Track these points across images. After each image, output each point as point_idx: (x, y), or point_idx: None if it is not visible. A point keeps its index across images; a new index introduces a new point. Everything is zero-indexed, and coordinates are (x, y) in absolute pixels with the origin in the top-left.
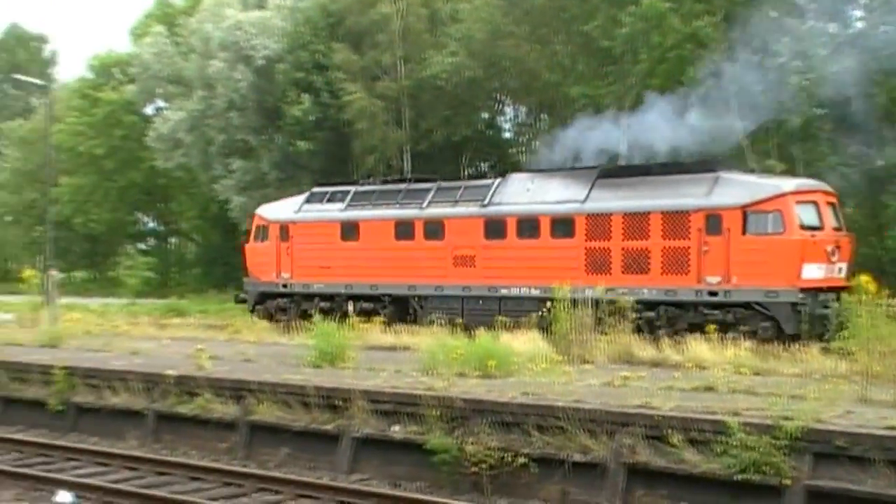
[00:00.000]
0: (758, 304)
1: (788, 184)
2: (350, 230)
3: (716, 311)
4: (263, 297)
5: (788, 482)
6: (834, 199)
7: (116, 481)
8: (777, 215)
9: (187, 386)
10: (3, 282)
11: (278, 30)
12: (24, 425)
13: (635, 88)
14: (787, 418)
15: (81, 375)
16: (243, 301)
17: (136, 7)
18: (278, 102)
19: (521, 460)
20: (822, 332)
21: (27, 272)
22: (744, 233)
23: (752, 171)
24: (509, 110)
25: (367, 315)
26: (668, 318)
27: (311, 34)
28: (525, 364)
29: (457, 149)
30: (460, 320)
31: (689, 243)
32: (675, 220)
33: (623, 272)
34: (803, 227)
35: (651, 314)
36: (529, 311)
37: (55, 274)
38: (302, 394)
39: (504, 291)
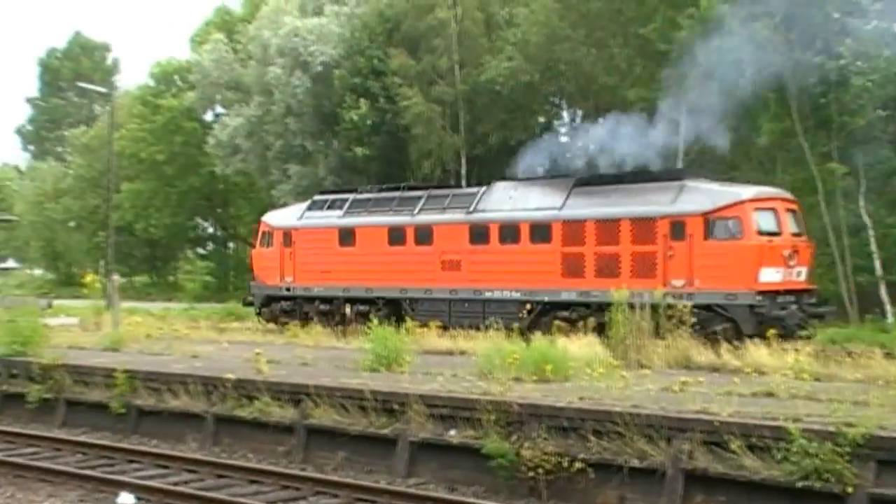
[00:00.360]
0: (718, 306)
1: (748, 191)
2: (347, 236)
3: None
4: (269, 300)
5: (851, 490)
6: (794, 206)
7: (176, 483)
8: (736, 221)
9: (246, 389)
10: (67, 286)
11: (335, 36)
12: (87, 427)
13: (692, 92)
14: (849, 425)
15: (142, 379)
16: (250, 304)
17: (196, 15)
18: (335, 108)
19: (578, 465)
20: (780, 333)
21: (89, 277)
22: (706, 238)
23: (724, 179)
24: (566, 114)
25: (364, 317)
26: None
27: (367, 40)
28: (582, 369)
29: (513, 153)
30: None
31: (655, 248)
32: (643, 227)
33: (596, 276)
34: (761, 233)
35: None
36: (512, 313)
37: (116, 278)
38: (359, 398)
39: (488, 294)
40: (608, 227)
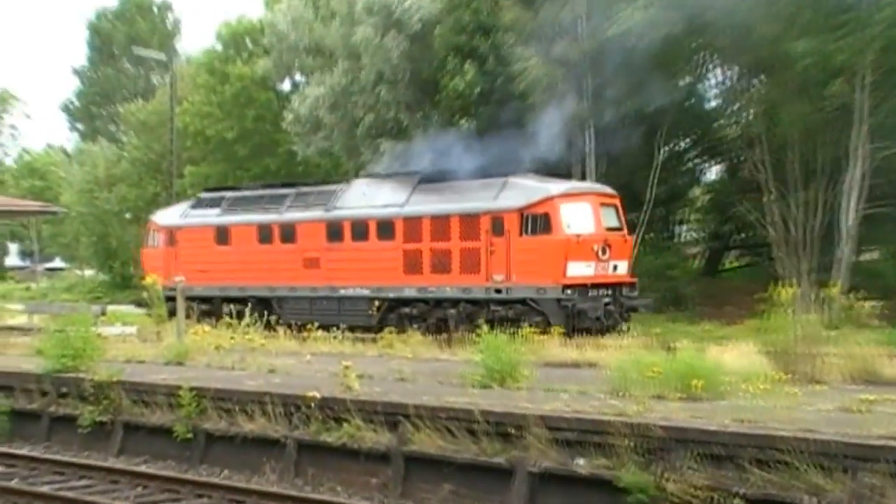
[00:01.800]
0: (531, 300)
1: (558, 187)
2: (223, 235)
3: (500, 308)
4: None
5: None
6: (613, 201)
7: None
8: (545, 217)
9: (333, 410)
10: (124, 289)
11: None
12: (147, 455)
13: (877, 41)
14: None
15: (212, 398)
16: (141, 305)
17: None
18: (435, 73)
19: (736, 502)
20: (585, 325)
21: (150, 278)
22: (521, 234)
23: (550, 176)
24: (714, 75)
25: (241, 317)
26: (466, 315)
27: None
28: (739, 384)
29: (650, 123)
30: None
31: (479, 244)
32: (469, 223)
33: (431, 272)
34: (569, 228)
35: (452, 311)
36: (364, 310)
37: (181, 280)
38: (468, 420)
39: (343, 292)
40: (441, 224)
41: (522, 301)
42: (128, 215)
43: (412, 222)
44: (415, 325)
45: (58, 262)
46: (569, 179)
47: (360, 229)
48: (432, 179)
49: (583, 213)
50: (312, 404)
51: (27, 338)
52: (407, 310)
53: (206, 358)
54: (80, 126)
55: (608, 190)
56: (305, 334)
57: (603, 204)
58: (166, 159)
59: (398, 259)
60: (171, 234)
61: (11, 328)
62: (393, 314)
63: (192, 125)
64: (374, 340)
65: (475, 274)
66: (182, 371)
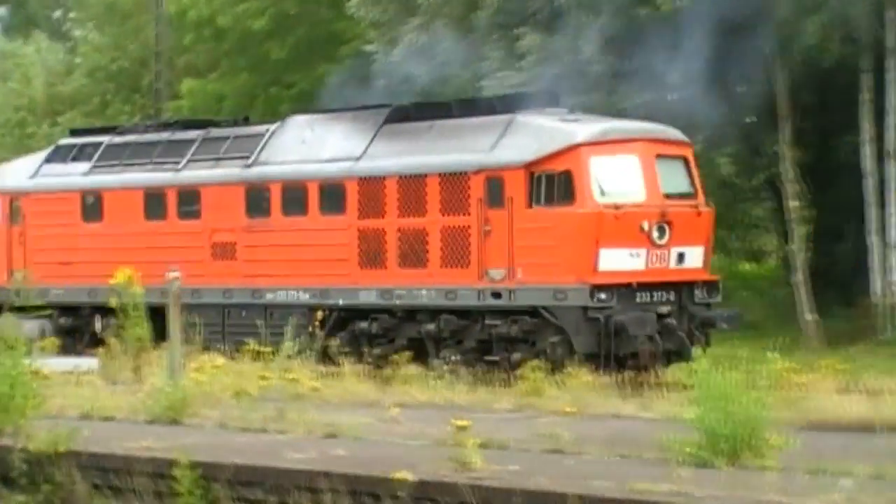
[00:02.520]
0: (545, 308)
1: (589, 129)
2: (93, 205)
3: (499, 322)
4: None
5: None
6: (681, 151)
7: None
8: (566, 177)
9: (438, 502)
10: None
11: None
12: None
13: None
14: None
15: (229, 482)
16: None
17: None
18: None
19: None
20: (632, 351)
21: (121, 272)
22: (529, 205)
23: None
24: None
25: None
26: (451, 332)
27: None
28: None
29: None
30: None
31: (468, 221)
32: (453, 187)
33: (400, 266)
34: (604, 195)
35: (431, 327)
36: (302, 325)
37: (176, 276)
38: None
39: (270, 297)
40: (413, 189)
41: (533, 311)
42: None
43: (371, 185)
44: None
45: None
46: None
47: (294, 197)
48: (408, 116)
49: (627, 170)
50: (402, 492)
51: None
52: (364, 324)
53: (219, 412)
54: (2, 13)
55: (672, 134)
56: (389, 371)
57: (662, 156)
58: (148, 68)
59: (351, 244)
60: (15, 204)
61: None
62: (344, 331)
63: (192, 9)
64: (505, 382)
65: (463, 268)
66: (178, 434)
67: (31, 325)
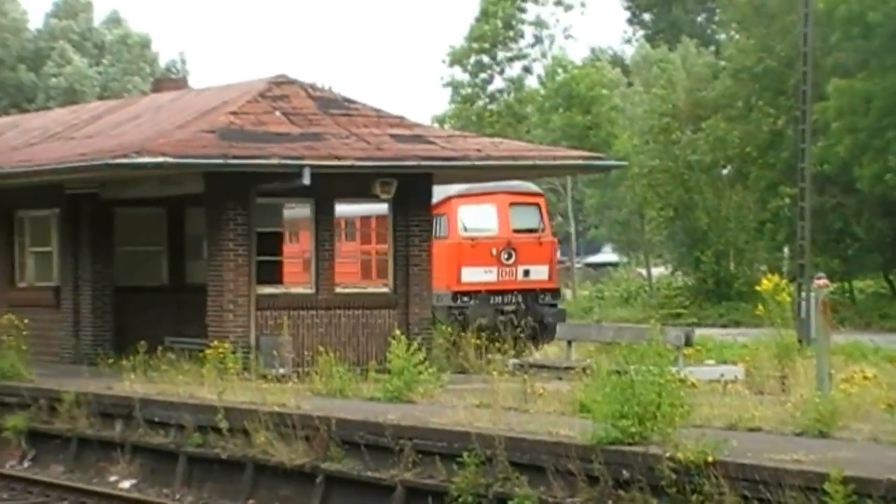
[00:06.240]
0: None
1: (458, 187)
2: None
3: None
4: None
5: None
6: (533, 200)
7: None
8: (443, 218)
9: None
10: (719, 300)
11: None
12: None
13: None
14: None
15: (883, 499)
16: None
17: None
18: None
19: None
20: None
21: (767, 281)
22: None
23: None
24: None
25: None
26: None
27: None
28: None
29: None
30: None
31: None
32: None
33: None
34: (466, 231)
35: None
36: None
37: (823, 286)
38: None
39: None
40: None
41: None
42: (725, 170)
43: None
44: None
45: (607, 254)
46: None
47: None
48: None
49: (485, 213)
50: None
51: (562, 383)
52: None
53: (870, 425)
54: (646, 18)
55: (527, 187)
56: None
57: (515, 203)
58: (794, 69)
59: None
60: None
61: (536, 365)
62: None
63: (842, 6)
64: None
65: None
66: (828, 448)
67: (675, 333)
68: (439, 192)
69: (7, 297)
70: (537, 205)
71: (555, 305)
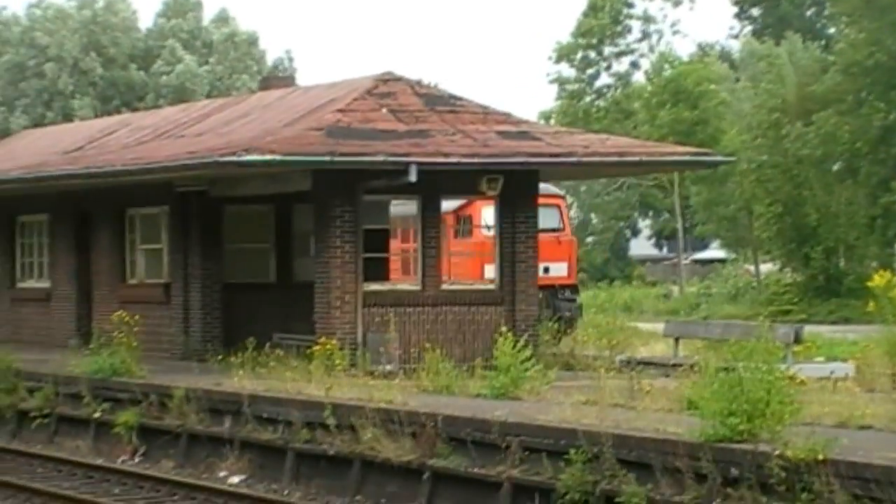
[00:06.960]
0: None
1: None
2: None
3: None
4: None
5: None
6: (553, 201)
7: None
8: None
9: None
10: (829, 296)
11: None
12: None
13: None
14: None
15: None
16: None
17: None
18: None
19: None
20: None
21: (879, 277)
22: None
23: None
24: None
25: None
26: None
27: None
28: None
29: None
30: None
31: None
32: None
33: None
34: (488, 230)
35: None
36: None
37: None
38: None
39: None
40: None
41: None
42: (835, 166)
43: None
44: None
45: (715, 251)
46: None
47: None
48: None
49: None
50: None
51: (669, 380)
52: None
53: None
54: (755, 13)
55: (549, 190)
56: None
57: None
58: None
59: None
60: None
61: (644, 362)
62: None
63: None
64: None
65: None
66: None
67: (784, 330)
68: None
69: (118, 293)
70: (557, 206)
71: (573, 300)
